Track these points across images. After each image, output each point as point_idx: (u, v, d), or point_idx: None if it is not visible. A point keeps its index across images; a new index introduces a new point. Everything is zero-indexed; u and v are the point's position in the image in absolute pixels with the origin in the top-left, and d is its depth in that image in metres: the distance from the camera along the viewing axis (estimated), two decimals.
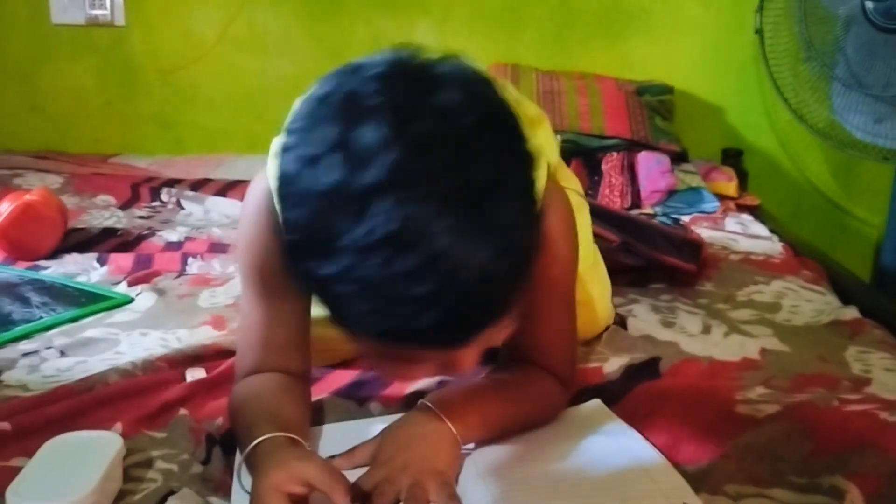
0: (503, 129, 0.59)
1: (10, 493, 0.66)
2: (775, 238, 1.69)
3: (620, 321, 1.20)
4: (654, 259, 1.33)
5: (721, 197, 1.94)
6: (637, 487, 0.74)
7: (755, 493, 0.75)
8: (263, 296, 0.83)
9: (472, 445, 0.80)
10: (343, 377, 0.98)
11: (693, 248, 1.40)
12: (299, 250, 0.58)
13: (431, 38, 2.21)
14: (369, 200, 0.54)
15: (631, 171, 1.91)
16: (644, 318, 1.22)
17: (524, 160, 0.60)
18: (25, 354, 1.04)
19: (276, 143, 0.69)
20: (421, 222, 0.54)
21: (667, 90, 2.16)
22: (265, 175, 0.80)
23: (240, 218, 0.87)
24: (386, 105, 0.56)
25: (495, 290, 0.58)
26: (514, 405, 0.84)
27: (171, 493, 0.74)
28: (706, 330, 1.19)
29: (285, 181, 0.59)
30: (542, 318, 0.85)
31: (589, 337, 1.12)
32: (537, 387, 0.87)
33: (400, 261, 0.54)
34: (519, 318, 0.64)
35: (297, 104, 0.61)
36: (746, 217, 1.84)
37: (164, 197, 1.92)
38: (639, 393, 0.97)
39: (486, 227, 0.56)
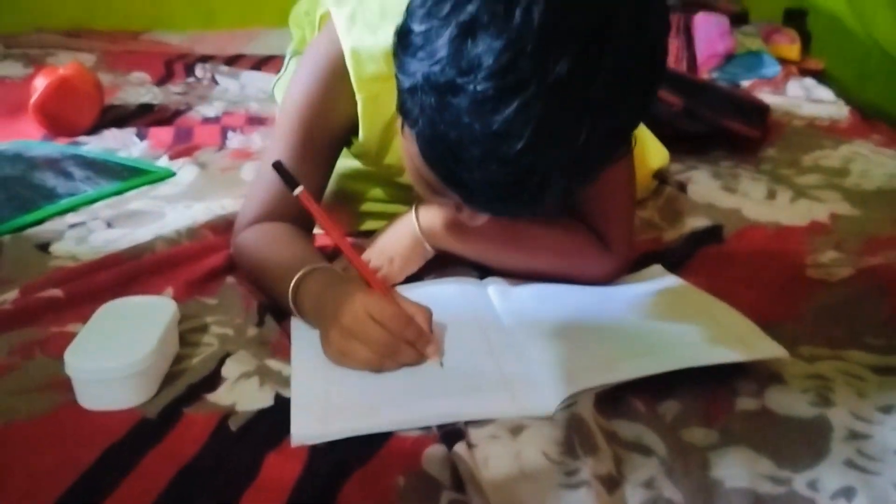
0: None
1: (70, 354, 0.65)
2: (841, 102, 1.59)
3: (680, 187, 1.15)
4: (718, 125, 1.26)
5: (783, 61, 1.82)
6: (708, 335, 0.71)
7: (831, 356, 0.72)
8: (299, 156, 0.83)
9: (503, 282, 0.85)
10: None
11: (758, 112, 1.32)
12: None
13: None
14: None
15: (687, 34, 1.79)
16: (705, 185, 1.16)
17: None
18: (72, 226, 1.03)
19: (341, 11, 0.79)
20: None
21: None
22: (334, 39, 0.80)
23: (299, 73, 0.85)
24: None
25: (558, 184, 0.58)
26: (523, 238, 0.84)
27: (228, 355, 0.73)
28: (771, 195, 1.13)
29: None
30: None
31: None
32: (567, 234, 0.84)
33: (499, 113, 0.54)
34: None
35: None
36: (810, 81, 1.73)
37: (198, 73, 1.87)
38: (702, 257, 0.94)
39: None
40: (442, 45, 0.54)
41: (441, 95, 0.54)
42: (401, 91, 0.60)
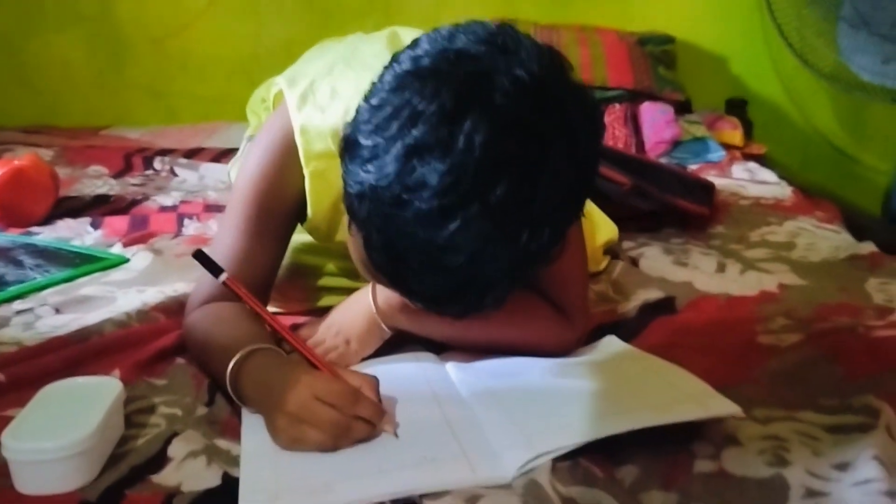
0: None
1: (7, 435, 0.63)
2: (784, 183, 1.65)
3: (632, 262, 1.17)
4: (667, 202, 1.29)
5: (727, 146, 1.90)
6: (662, 396, 0.71)
7: (785, 417, 0.72)
8: (252, 230, 0.84)
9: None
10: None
11: (705, 190, 1.37)
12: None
13: None
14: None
15: (634, 123, 1.86)
16: (656, 260, 1.19)
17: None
18: (19, 312, 1.00)
19: (293, 91, 0.83)
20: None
21: (668, 40, 2.11)
22: (286, 117, 0.83)
23: (253, 150, 0.86)
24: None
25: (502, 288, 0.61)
26: (480, 314, 0.82)
27: (176, 435, 0.70)
28: (721, 268, 1.15)
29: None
30: None
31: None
32: (524, 306, 0.84)
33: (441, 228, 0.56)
34: None
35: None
36: (753, 165, 1.80)
37: (157, 165, 1.87)
38: (656, 327, 0.94)
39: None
40: (389, 162, 0.56)
41: (388, 207, 0.57)
42: (347, 193, 0.61)
